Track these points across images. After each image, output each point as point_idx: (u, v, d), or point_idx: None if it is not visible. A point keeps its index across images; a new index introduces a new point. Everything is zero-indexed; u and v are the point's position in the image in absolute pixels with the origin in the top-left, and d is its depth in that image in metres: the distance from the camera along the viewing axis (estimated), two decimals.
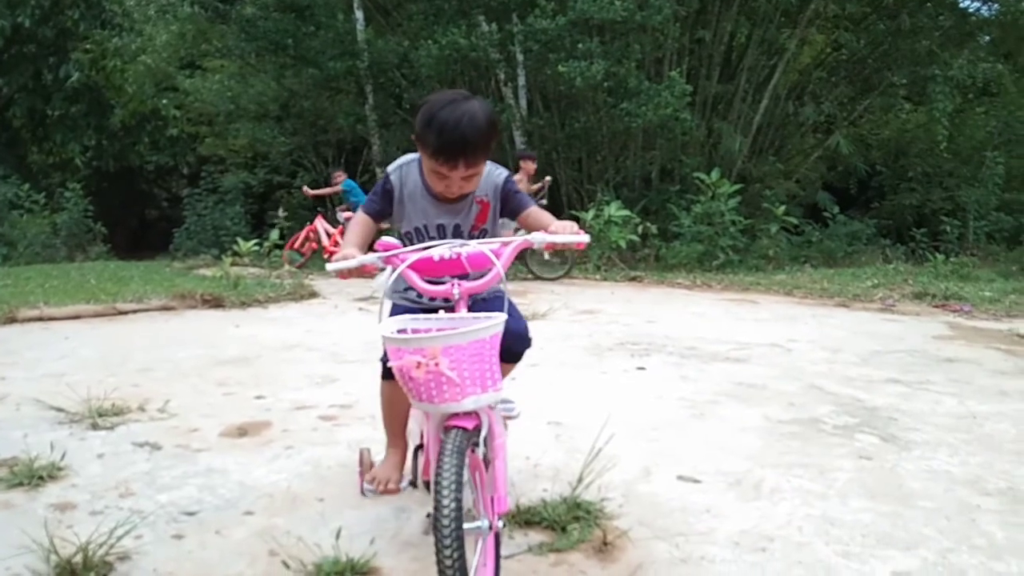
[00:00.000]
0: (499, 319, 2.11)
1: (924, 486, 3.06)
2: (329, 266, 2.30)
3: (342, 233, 11.61)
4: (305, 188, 13.00)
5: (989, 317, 7.24)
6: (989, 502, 2.90)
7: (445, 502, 1.89)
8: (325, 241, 12.05)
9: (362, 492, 2.83)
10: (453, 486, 1.91)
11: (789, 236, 12.66)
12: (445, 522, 1.87)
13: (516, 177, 8.89)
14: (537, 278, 9.72)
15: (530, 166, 9.94)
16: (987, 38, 15.36)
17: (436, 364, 2.01)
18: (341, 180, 12.40)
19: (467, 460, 2.14)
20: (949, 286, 8.51)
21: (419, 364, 2.02)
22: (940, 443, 3.57)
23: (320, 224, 12.37)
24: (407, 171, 2.48)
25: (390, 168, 2.53)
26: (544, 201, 9.65)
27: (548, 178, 10.46)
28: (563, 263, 10.05)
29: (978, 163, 15.00)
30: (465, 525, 2.03)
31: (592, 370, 4.98)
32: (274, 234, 12.05)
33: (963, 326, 6.78)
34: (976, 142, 15.59)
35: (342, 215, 11.73)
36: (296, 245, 12.55)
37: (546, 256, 9.62)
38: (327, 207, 13.60)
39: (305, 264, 12.17)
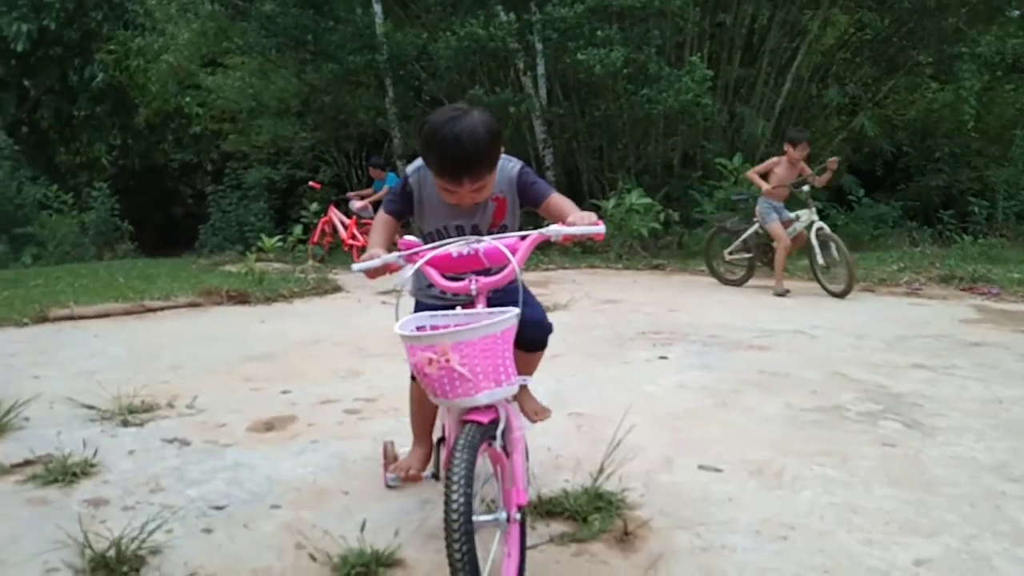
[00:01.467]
0: (510, 314, 2.14)
1: (948, 472, 3.05)
2: (355, 266, 2.36)
3: (356, 223, 11.61)
4: (355, 202, 11.79)
5: (1018, 299, 7.16)
6: (1015, 488, 2.89)
7: (454, 496, 1.93)
8: (342, 232, 11.89)
9: (387, 484, 2.88)
10: (462, 481, 1.94)
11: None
12: (453, 516, 1.91)
13: (773, 160, 8.18)
14: (825, 290, 7.60)
15: (793, 153, 7.85)
16: (1016, 12, 15.08)
17: (447, 360, 2.04)
18: (383, 176, 11.71)
19: (486, 453, 2.18)
20: (977, 268, 8.41)
21: (431, 360, 2.05)
22: (965, 429, 3.56)
23: (334, 215, 12.16)
24: (424, 174, 2.50)
25: (409, 170, 2.56)
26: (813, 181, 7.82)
27: (833, 159, 8.11)
28: (844, 277, 7.41)
29: (1007, 142, 14.74)
30: (481, 517, 2.07)
31: (614, 360, 4.99)
32: (298, 229, 12.10)
33: (991, 309, 6.71)
34: (1005, 120, 15.32)
35: (355, 204, 11.59)
36: (315, 239, 12.47)
37: (819, 259, 7.59)
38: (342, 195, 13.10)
39: (325, 258, 12.14)
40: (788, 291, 7.72)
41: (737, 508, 2.74)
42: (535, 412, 2.83)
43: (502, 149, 2.41)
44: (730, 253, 8.50)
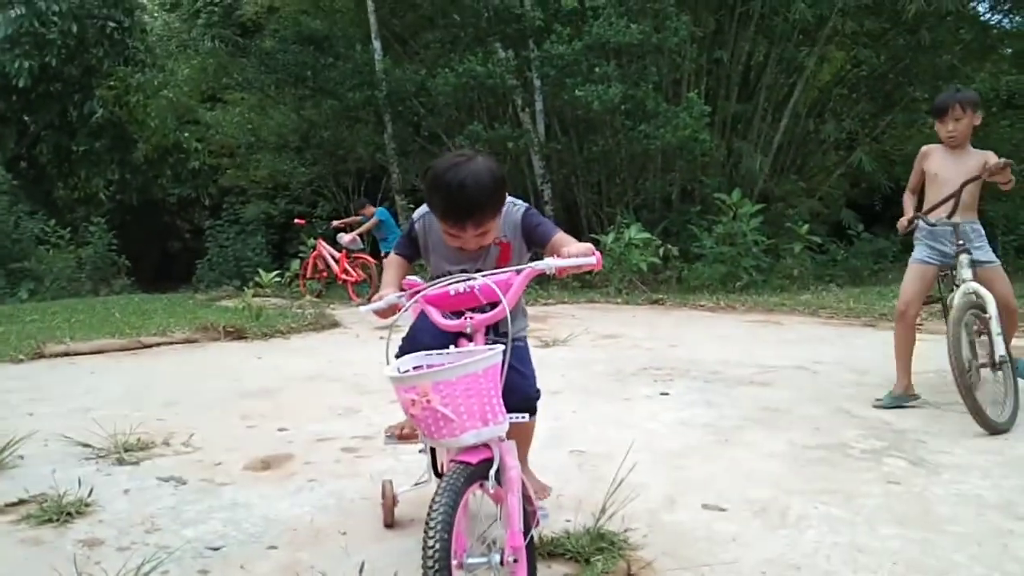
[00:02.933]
0: (490, 352, 2.12)
1: (954, 511, 3.00)
2: (363, 308, 2.39)
3: (346, 257, 11.57)
4: (343, 236, 11.78)
5: (1021, 334, 7.12)
6: (1022, 527, 2.84)
7: (430, 543, 1.91)
8: (334, 267, 11.84)
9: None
10: (439, 527, 1.92)
11: (813, 255, 12.54)
12: (429, 563, 1.89)
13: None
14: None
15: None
16: (1009, 50, 15.26)
17: (428, 401, 2.02)
18: (371, 212, 11.67)
19: (476, 494, 2.15)
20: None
21: (413, 401, 2.03)
22: (971, 467, 3.51)
23: (323, 249, 12.06)
24: (430, 220, 2.52)
25: (415, 215, 2.60)
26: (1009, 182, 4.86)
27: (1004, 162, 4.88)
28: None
29: None
30: (472, 559, 2.03)
31: (615, 396, 4.95)
32: (295, 264, 12.09)
33: None
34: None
35: (343, 239, 11.56)
36: (308, 274, 12.38)
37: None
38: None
39: (323, 292, 12.09)
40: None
41: (741, 548, 2.69)
42: (535, 491, 2.66)
43: (506, 195, 2.41)
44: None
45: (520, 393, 2.53)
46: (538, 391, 2.71)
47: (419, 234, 2.60)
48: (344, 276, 11.60)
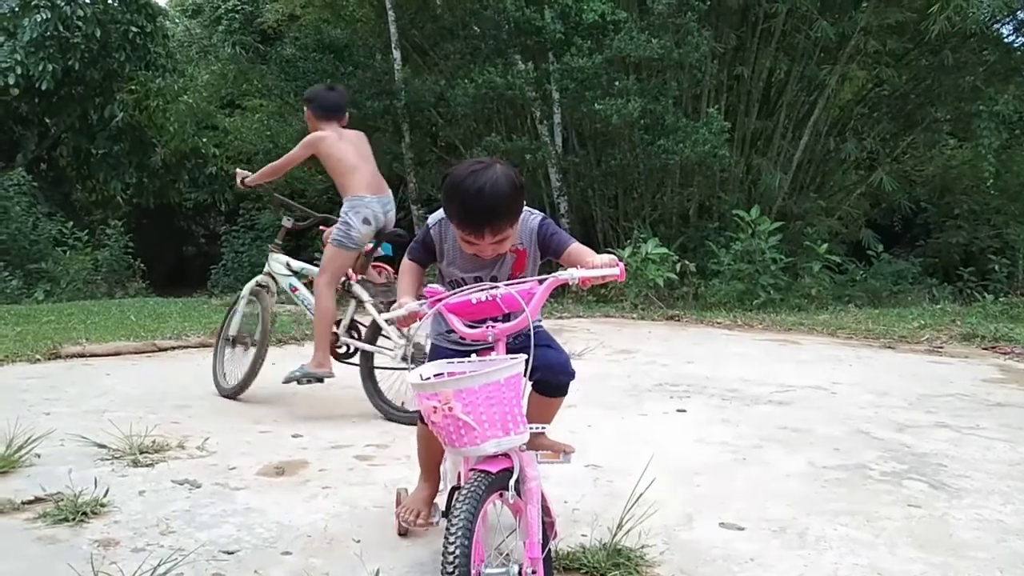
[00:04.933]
0: (514, 362, 2.11)
1: (975, 535, 2.97)
2: (384, 316, 2.38)
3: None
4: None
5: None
6: None
7: (450, 550, 1.90)
8: (351, 274, 11.76)
9: (399, 528, 2.82)
10: (459, 534, 1.91)
11: (832, 275, 12.45)
12: (449, 570, 1.87)
13: None
14: None
15: None
16: None
17: (450, 408, 2.01)
18: None
19: (496, 504, 2.14)
20: (999, 327, 8.28)
21: (435, 409, 2.02)
22: (992, 491, 3.47)
23: None
24: (446, 226, 2.51)
25: (431, 221, 2.57)
26: None
27: None
28: None
29: None
30: (490, 571, 2.01)
31: (631, 412, 4.91)
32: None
33: (1015, 369, 6.61)
34: None
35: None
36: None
37: None
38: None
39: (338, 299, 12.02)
40: None
41: (760, 568, 2.66)
42: (561, 450, 2.69)
43: (523, 203, 2.40)
44: None
45: (558, 367, 2.56)
46: (573, 371, 2.67)
47: (434, 240, 2.57)
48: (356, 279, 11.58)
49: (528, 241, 2.51)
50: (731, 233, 11.84)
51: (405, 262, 2.66)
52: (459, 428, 2.04)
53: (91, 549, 2.67)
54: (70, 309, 10.26)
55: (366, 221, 4.74)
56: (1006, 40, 14.49)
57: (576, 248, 2.49)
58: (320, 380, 4.71)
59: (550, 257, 2.56)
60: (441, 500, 2.71)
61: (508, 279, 2.50)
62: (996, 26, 13.66)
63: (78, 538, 2.77)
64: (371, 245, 4.92)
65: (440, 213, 2.52)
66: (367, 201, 4.68)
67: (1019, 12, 13.13)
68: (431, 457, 2.75)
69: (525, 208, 2.48)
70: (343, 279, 4.87)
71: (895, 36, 13.39)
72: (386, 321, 2.42)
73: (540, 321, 2.74)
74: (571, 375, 2.64)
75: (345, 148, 4.80)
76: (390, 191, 4.87)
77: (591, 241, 12.87)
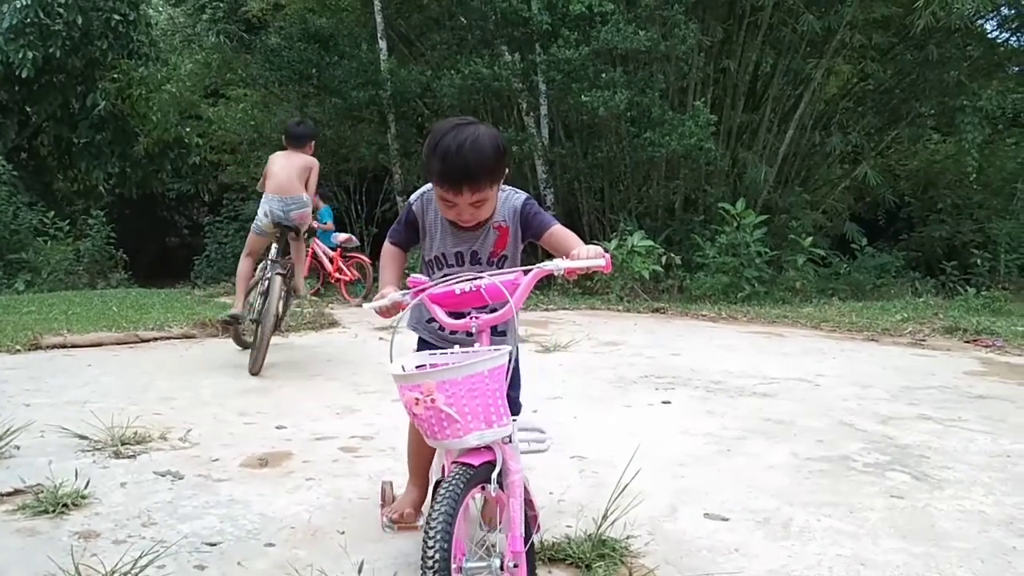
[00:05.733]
0: (497, 353, 2.09)
1: (957, 526, 2.99)
2: (366, 306, 2.35)
3: (341, 255, 11.50)
4: (338, 235, 11.81)
5: (1023, 353, 7.11)
6: None
7: (430, 543, 1.89)
8: (328, 266, 11.58)
9: (383, 527, 2.80)
10: (439, 529, 1.89)
11: (816, 268, 12.50)
12: (428, 564, 1.87)
13: None
14: None
15: None
16: (1016, 68, 15.27)
17: (432, 400, 1.99)
18: (319, 205, 11.50)
19: (478, 498, 2.12)
20: (981, 320, 8.35)
21: (417, 400, 2.00)
22: (974, 482, 3.49)
23: (316, 248, 11.68)
24: (427, 199, 2.49)
25: (412, 198, 2.54)
26: None
27: None
28: None
29: (1009, 195, 14.84)
30: (471, 564, 2.00)
31: (616, 403, 4.92)
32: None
33: (996, 362, 6.66)
34: (1007, 173, 15.39)
35: (339, 237, 11.47)
36: (306, 273, 12.02)
37: None
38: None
39: (321, 291, 11.89)
40: None
41: (744, 558, 2.67)
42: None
43: (506, 169, 2.38)
44: None
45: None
46: (516, 409, 2.59)
47: (417, 214, 2.53)
48: (338, 275, 11.52)
49: (511, 219, 2.48)
50: (716, 226, 11.86)
51: (386, 247, 2.60)
52: (441, 420, 2.03)
53: (71, 541, 2.65)
54: (51, 300, 10.18)
55: (265, 214, 5.97)
56: (990, 35, 14.58)
57: (559, 230, 2.48)
58: (236, 319, 6.05)
59: (531, 239, 2.54)
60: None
61: (489, 256, 2.49)
62: (980, 21, 13.71)
63: (58, 530, 2.75)
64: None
65: (420, 191, 2.50)
66: (269, 199, 5.95)
67: (1003, 8, 13.21)
68: (421, 458, 2.72)
69: (510, 188, 2.47)
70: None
71: (880, 30, 13.42)
72: (368, 310, 2.38)
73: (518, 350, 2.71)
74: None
75: (279, 163, 6.06)
76: (301, 195, 6.01)
77: (577, 233, 12.59)
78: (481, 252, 2.49)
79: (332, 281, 11.66)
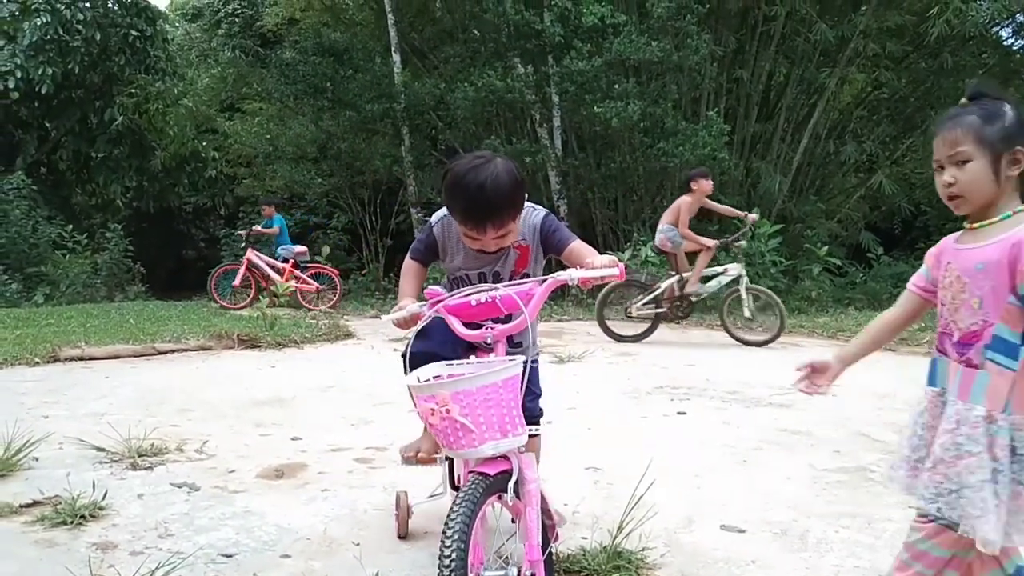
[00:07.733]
0: (511, 363, 2.09)
1: None
2: (385, 317, 2.38)
3: (295, 266, 11.48)
4: (293, 248, 11.79)
5: None
6: None
7: (446, 553, 1.88)
8: (274, 276, 11.38)
9: (398, 533, 2.80)
10: (456, 537, 1.89)
11: (832, 277, 12.44)
12: (445, 572, 1.86)
13: (687, 199, 7.79)
14: (741, 342, 8.20)
15: (704, 185, 8.25)
16: None
17: (447, 411, 2.00)
18: (271, 213, 12.00)
19: (495, 506, 2.12)
20: None
21: (433, 411, 2.01)
22: None
23: (255, 258, 11.52)
24: (448, 222, 2.51)
25: (434, 219, 2.58)
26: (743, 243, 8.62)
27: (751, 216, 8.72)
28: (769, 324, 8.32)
29: None
30: (488, 573, 2.00)
31: (631, 414, 4.90)
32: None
33: None
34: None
35: (295, 249, 11.50)
36: (238, 283, 11.73)
37: (746, 312, 8.23)
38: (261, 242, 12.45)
39: (275, 301, 11.47)
40: None
41: (761, 570, 2.65)
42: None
43: (525, 197, 2.40)
44: None
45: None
46: (540, 410, 2.68)
47: (437, 238, 2.57)
48: (301, 285, 11.46)
49: (531, 237, 2.51)
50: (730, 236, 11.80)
51: (407, 262, 2.65)
52: (457, 430, 2.03)
53: (89, 552, 2.66)
54: (69, 312, 10.25)
55: None
56: (1005, 43, 14.51)
57: (578, 246, 2.49)
58: None
59: (552, 255, 2.56)
60: (443, 507, 2.69)
61: (511, 275, 2.51)
62: (995, 29, 13.67)
63: (76, 541, 2.76)
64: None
65: (443, 211, 2.52)
66: None
67: (1018, 15, 13.14)
68: None
69: (528, 204, 2.48)
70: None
71: (894, 39, 13.38)
72: (385, 321, 2.40)
73: (538, 356, 2.73)
74: (534, 417, 2.61)
75: None
76: None
77: (591, 243, 12.61)
78: (503, 272, 2.53)
79: (264, 288, 11.50)
